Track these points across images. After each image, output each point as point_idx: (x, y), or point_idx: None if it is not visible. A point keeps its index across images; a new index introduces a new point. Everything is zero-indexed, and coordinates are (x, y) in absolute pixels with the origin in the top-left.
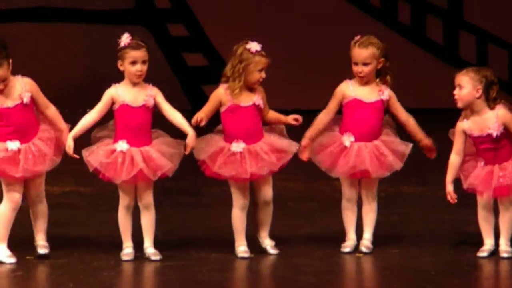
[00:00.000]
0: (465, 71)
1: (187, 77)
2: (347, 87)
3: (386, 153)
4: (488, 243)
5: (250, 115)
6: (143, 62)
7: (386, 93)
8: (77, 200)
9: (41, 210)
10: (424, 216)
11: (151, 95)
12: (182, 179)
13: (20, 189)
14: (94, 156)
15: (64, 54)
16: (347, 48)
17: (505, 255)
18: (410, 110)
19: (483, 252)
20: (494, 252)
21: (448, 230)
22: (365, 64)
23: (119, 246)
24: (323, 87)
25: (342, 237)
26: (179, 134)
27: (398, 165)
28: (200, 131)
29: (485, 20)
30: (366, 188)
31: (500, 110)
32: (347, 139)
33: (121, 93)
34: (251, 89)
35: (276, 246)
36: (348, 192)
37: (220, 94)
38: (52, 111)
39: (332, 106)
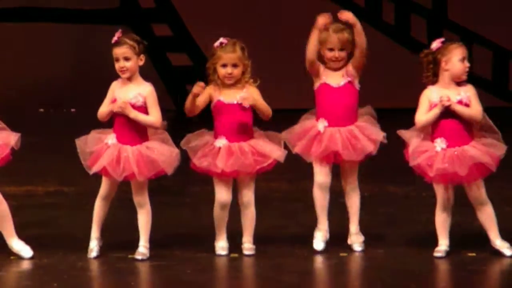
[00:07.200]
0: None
1: (171, 77)
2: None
3: (360, 137)
4: (443, 243)
5: (233, 113)
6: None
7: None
8: (61, 200)
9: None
10: (409, 216)
11: (142, 94)
12: (165, 179)
13: None
14: (86, 143)
15: (49, 54)
16: None
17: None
18: (394, 110)
19: (439, 253)
20: (449, 253)
21: (432, 230)
22: (341, 49)
23: (103, 246)
24: (306, 86)
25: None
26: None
27: (371, 147)
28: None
29: (469, 19)
30: (345, 177)
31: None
32: (321, 124)
33: (115, 87)
34: (237, 86)
35: (261, 246)
36: (319, 177)
37: (210, 89)
38: None
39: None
